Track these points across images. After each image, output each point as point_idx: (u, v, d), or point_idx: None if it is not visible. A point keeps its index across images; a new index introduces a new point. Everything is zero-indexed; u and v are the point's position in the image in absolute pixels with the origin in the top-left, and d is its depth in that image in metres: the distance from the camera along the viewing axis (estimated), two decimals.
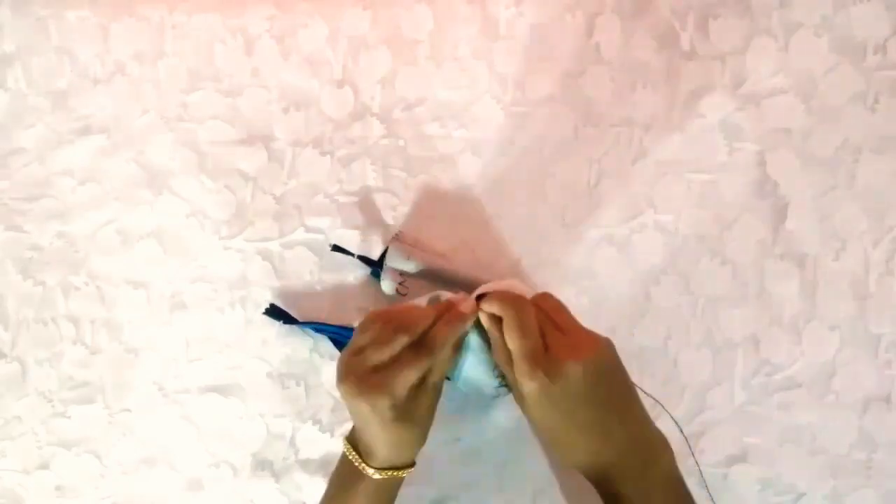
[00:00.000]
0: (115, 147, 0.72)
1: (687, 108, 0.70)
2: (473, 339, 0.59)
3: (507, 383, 0.60)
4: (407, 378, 0.53)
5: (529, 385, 0.53)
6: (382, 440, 0.56)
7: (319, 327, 0.68)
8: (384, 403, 0.53)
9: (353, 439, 0.59)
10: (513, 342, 0.54)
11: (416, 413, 0.56)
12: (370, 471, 0.57)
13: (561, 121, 0.71)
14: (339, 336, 0.68)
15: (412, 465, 0.60)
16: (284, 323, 0.69)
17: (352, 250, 0.69)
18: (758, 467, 0.68)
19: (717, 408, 0.69)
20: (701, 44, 0.70)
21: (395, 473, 0.58)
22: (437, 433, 0.67)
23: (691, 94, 0.70)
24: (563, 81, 0.71)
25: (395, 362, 0.54)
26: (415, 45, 0.71)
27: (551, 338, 0.55)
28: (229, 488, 0.70)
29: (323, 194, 0.71)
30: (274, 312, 0.69)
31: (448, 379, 0.61)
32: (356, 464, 0.58)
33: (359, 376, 0.53)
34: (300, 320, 0.69)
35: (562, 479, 0.69)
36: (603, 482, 0.57)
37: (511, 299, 0.56)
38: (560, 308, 0.58)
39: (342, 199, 0.71)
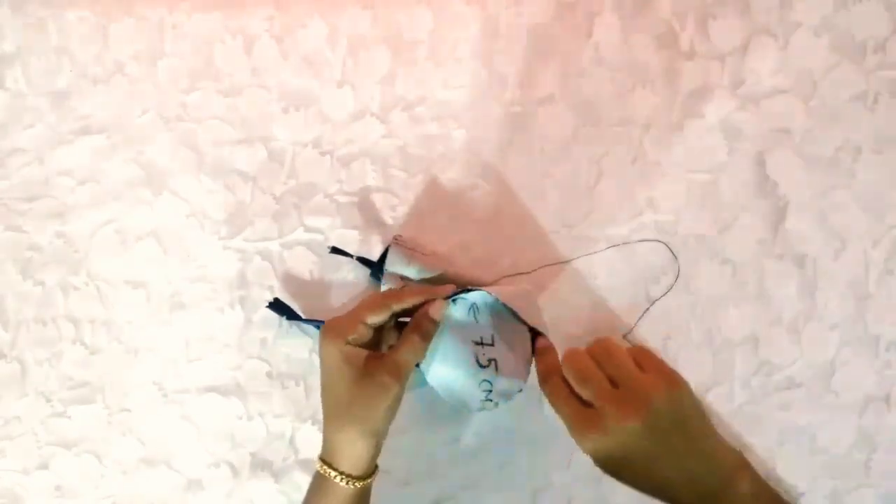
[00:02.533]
0: (114, 147, 0.72)
1: (687, 108, 0.70)
2: (448, 338, 0.60)
3: (493, 398, 0.60)
4: (368, 315, 0.58)
5: (585, 446, 0.53)
6: (347, 412, 0.57)
7: (321, 325, 0.68)
8: (348, 338, 0.58)
9: (324, 456, 0.59)
10: (559, 409, 0.55)
11: (377, 374, 0.57)
12: (341, 480, 0.57)
13: (560, 121, 0.71)
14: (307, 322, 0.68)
15: (376, 469, 0.60)
16: (287, 318, 0.69)
17: (351, 251, 0.69)
18: (757, 467, 0.65)
19: (716, 408, 0.69)
20: (701, 44, 0.71)
21: (363, 483, 0.58)
22: (438, 433, 0.69)
23: (691, 94, 0.70)
24: (562, 81, 0.71)
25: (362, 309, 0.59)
26: (415, 45, 0.71)
27: (601, 393, 0.53)
28: (229, 488, 0.70)
29: (322, 194, 0.71)
30: (277, 307, 0.69)
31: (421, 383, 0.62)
32: (328, 476, 0.58)
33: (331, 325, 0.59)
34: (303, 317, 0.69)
35: (561, 479, 0.69)
36: None
37: (567, 356, 0.56)
38: (615, 354, 0.55)
39: (342, 199, 0.71)
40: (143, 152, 0.72)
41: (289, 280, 0.71)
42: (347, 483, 0.57)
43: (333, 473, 0.57)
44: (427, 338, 0.59)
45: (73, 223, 0.71)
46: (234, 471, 0.70)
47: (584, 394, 0.54)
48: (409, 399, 0.68)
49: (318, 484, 0.59)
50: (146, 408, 0.71)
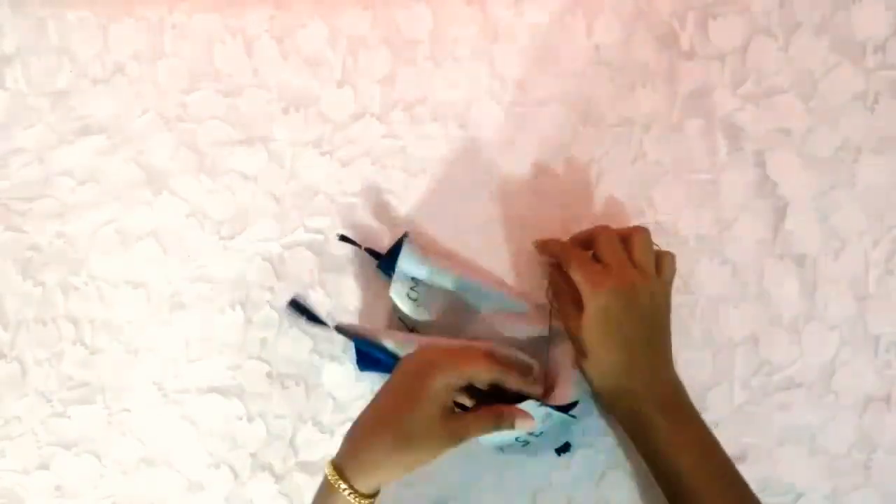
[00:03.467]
0: (114, 147, 0.72)
1: (687, 108, 0.70)
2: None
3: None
4: (478, 375, 0.59)
5: (598, 301, 0.61)
6: (397, 438, 0.57)
7: (355, 338, 0.67)
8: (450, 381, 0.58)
9: (340, 463, 0.58)
10: (576, 273, 0.62)
11: (445, 428, 0.57)
12: (349, 494, 0.56)
13: (561, 121, 0.71)
14: (369, 350, 0.67)
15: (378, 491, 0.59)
16: (308, 320, 0.68)
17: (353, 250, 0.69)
18: (757, 467, 0.68)
19: (716, 408, 0.69)
20: (701, 44, 0.70)
21: (373, 499, 0.58)
22: None
23: (691, 94, 0.70)
24: (562, 81, 0.71)
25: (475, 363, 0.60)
26: (415, 45, 0.71)
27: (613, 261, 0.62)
28: (229, 489, 0.70)
29: (323, 194, 0.71)
30: (296, 308, 0.68)
31: None
32: (336, 487, 0.56)
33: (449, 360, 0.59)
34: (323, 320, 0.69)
35: (560, 479, 0.69)
36: (625, 409, 0.63)
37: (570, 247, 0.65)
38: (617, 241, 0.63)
39: (342, 199, 0.71)
40: (143, 152, 0.72)
41: (289, 281, 0.71)
42: (357, 500, 0.56)
43: (343, 486, 0.56)
44: (499, 429, 0.59)
45: (73, 223, 0.71)
46: (234, 472, 0.70)
47: (611, 257, 0.62)
48: None
49: (326, 494, 0.58)
50: (146, 408, 0.71)
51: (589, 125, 0.71)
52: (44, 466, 0.71)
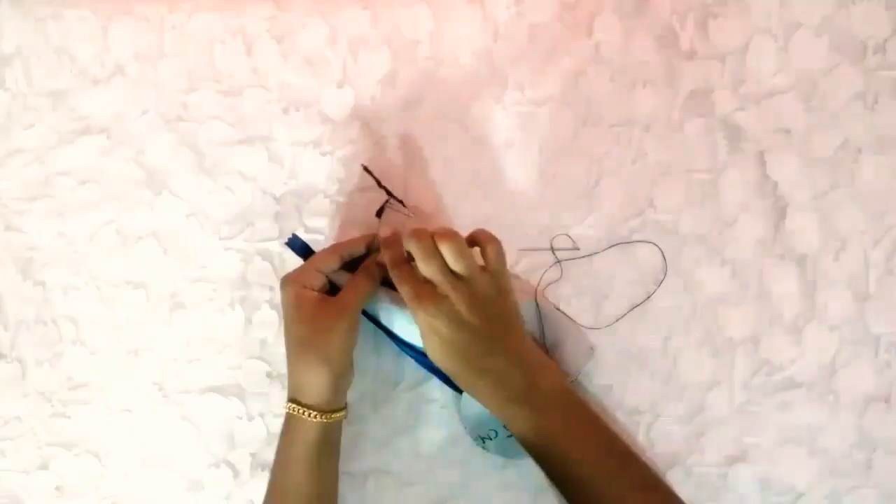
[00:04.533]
0: (114, 147, 0.71)
1: (687, 108, 0.70)
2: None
3: (487, 446, 0.67)
4: (320, 263, 0.64)
5: (419, 318, 0.60)
6: (303, 347, 0.62)
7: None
8: (303, 284, 0.63)
9: (290, 395, 0.63)
10: (402, 285, 0.61)
11: (325, 312, 0.62)
12: (307, 414, 0.61)
13: (560, 121, 0.71)
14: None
15: (345, 408, 0.64)
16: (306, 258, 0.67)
17: None
18: (757, 467, 0.68)
19: (716, 408, 0.69)
20: (701, 44, 0.70)
21: (330, 418, 0.61)
22: (438, 434, 0.69)
23: (691, 94, 0.70)
24: (562, 81, 0.71)
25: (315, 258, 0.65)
26: (415, 45, 0.71)
27: (441, 273, 0.60)
28: (229, 489, 0.70)
29: (323, 195, 0.71)
30: (295, 244, 0.67)
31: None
32: (295, 413, 0.61)
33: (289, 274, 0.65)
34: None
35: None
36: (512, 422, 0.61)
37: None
38: (458, 243, 0.60)
39: (342, 199, 0.71)
40: (143, 152, 0.72)
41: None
42: (315, 417, 0.60)
43: (300, 409, 0.61)
44: (373, 277, 0.64)
45: (73, 223, 0.71)
46: (235, 471, 0.70)
47: (426, 271, 0.59)
48: (407, 399, 0.70)
49: (288, 425, 0.62)
50: (146, 408, 0.71)
51: (588, 125, 0.70)
52: (44, 467, 0.71)
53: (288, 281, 0.63)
